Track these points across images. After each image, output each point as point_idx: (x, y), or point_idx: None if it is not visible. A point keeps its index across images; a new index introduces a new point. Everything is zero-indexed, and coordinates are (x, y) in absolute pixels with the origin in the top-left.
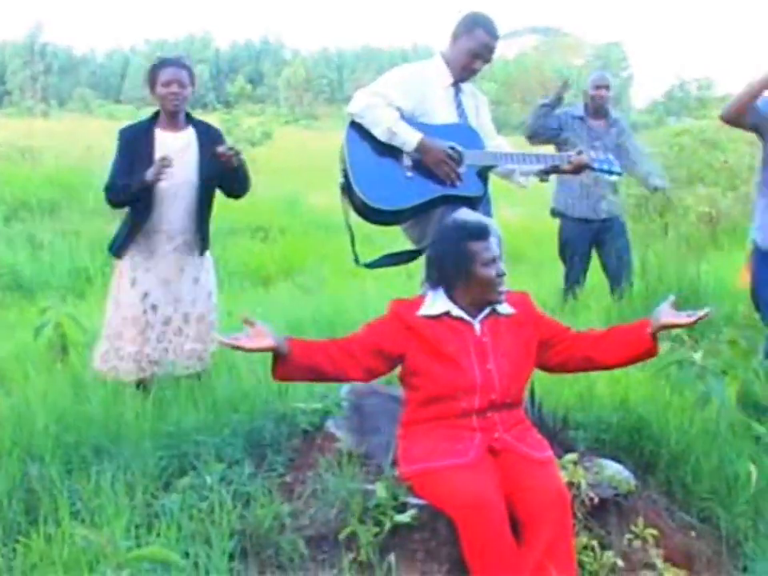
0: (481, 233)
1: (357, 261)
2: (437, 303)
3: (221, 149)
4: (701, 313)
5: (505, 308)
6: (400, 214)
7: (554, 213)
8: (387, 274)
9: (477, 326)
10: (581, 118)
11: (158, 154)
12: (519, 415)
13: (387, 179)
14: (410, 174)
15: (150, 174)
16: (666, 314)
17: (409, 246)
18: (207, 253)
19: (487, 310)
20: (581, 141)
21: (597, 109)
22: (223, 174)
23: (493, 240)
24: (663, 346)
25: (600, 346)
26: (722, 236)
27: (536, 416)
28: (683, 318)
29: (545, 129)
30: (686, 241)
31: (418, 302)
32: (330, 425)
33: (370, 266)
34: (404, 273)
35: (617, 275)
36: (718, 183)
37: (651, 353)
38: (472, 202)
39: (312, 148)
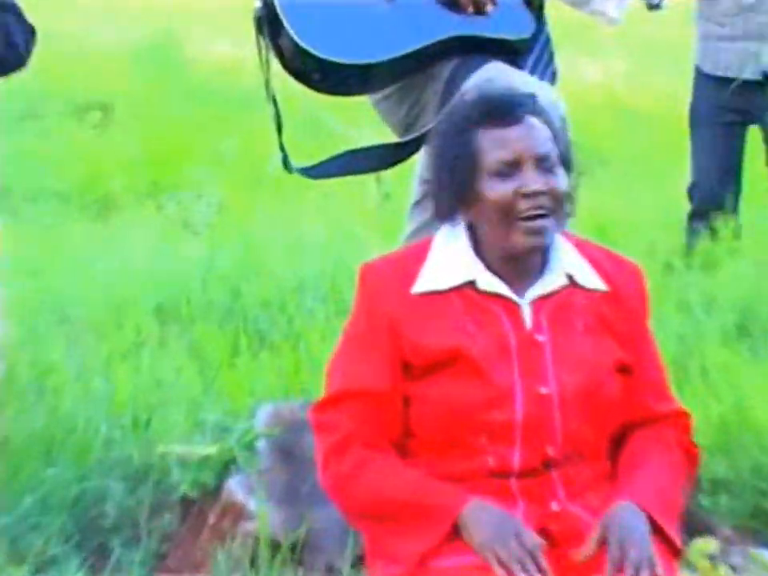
0: (501, 109)
1: (286, 164)
2: (451, 261)
3: None
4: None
5: (588, 278)
6: (372, 74)
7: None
8: (344, 192)
9: (526, 311)
10: None
11: None
12: (599, 469)
13: (350, 7)
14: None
15: None
16: None
17: (391, 138)
18: None
19: (552, 282)
20: None
21: None
22: None
23: (532, 125)
24: None
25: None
26: None
27: None
28: None
29: None
30: None
31: (410, 261)
32: (234, 486)
33: (311, 173)
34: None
35: None
36: None
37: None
38: (514, 52)
39: None
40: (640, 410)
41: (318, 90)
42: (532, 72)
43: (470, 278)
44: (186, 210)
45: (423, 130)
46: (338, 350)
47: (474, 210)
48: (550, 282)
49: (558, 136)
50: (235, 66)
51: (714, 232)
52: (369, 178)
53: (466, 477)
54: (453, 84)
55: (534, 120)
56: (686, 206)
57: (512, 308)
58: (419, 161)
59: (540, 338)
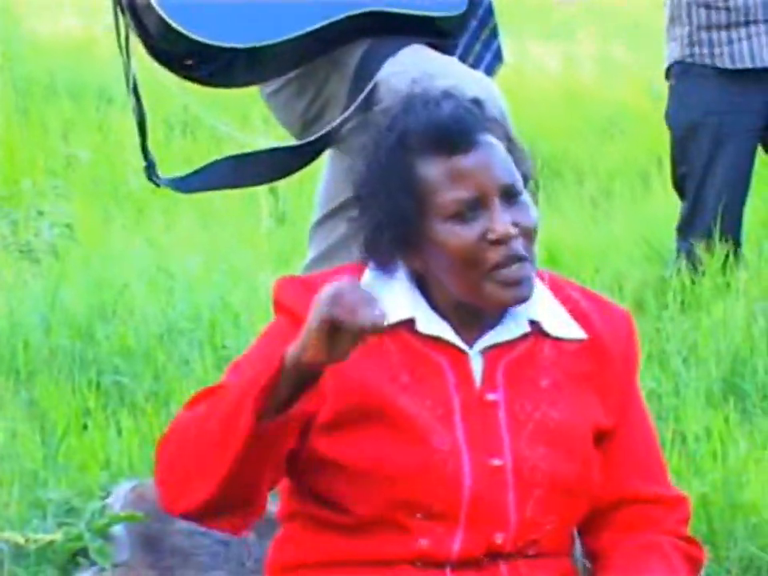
0: (448, 131)
1: (150, 174)
2: (387, 294)
3: None
4: None
5: (559, 326)
6: (260, 60)
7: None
8: (228, 211)
9: (476, 363)
10: None
11: None
12: (563, 569)
13: None
14: None
15: None
16: None
17: (288, 139)
18: None
19: (514, 319)
20: None
21: None
22: None
23: (489, 146)
24: None
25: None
26: None
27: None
28: None
29: None
30: None
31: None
32: None
33: (183, 186)
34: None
35: None
36: None
37: None
38: (440, 32)
39: None
40: (619, 490)
41: (193, 79)
42: (464, 56)
43: (407, 315)
44: (23, 231)
45: (327, 129)
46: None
47: (423, 257)
48: (508, 329)
49: (513, 148)
50: (86, 47)
51: (698, 263)
52: (260, 193)
53: (390, 560)
54: (363, 72)
55: (489, 138)
56: (663, 231)
57: (458, 358)
58: (325, 168)
59: (492, 397)
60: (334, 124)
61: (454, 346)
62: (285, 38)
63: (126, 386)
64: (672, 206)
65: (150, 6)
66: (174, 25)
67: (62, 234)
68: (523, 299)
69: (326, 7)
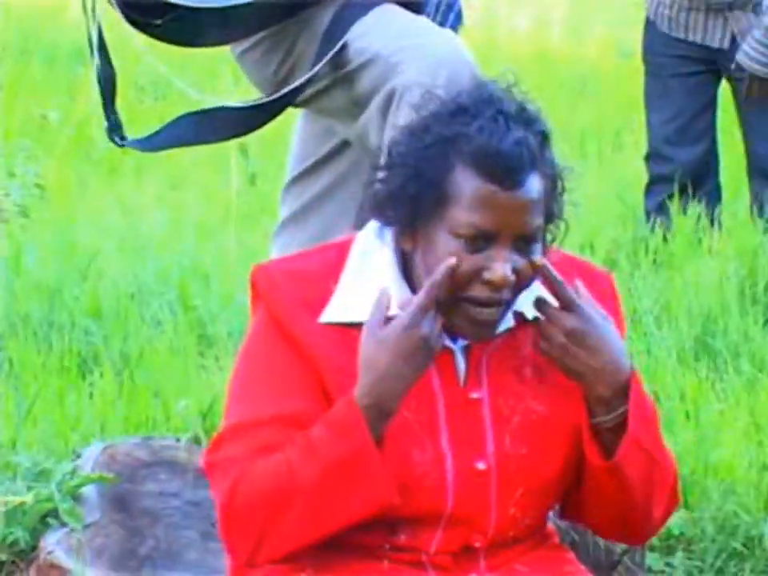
0: (501, 164)
1: (112, 135)
2: (371, 283)
3: None
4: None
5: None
6: (232, 20)
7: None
8: (198, 171)
9: (460, 360)
10: None
11: None
12: (536, 540)
13: None
14: None
15: None
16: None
17: (252, 94)
18: None
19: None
20: None
21: None
22: None
23: (530, 192)
24: None
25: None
26: None
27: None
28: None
29: None
30: None
31: (318, 275)
32: (53, 544)
33: (147, 145)
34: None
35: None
36: None
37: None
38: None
39: None
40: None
41: (162, 39)
42: (433, 15)
43: (392, 311)
44: None
45: (290, 87)
46: (236, 371)
47: (416, 245)
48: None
49: (555, 187)
50: (59, 11)
51: (669, 221)
52: (230, 153)
53: (369, 547)
54: (332, 33)
55: (535, 180)
56: (636, 189)
57: (442, 355)
58: (297, 129)
59: (476, 395)
60: (298, 83)
61: (443, 345)
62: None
63: (97, 348)
64: (643, 165)
65: None
66: None
67: (32, 194)
68: (483, 340)
69: None
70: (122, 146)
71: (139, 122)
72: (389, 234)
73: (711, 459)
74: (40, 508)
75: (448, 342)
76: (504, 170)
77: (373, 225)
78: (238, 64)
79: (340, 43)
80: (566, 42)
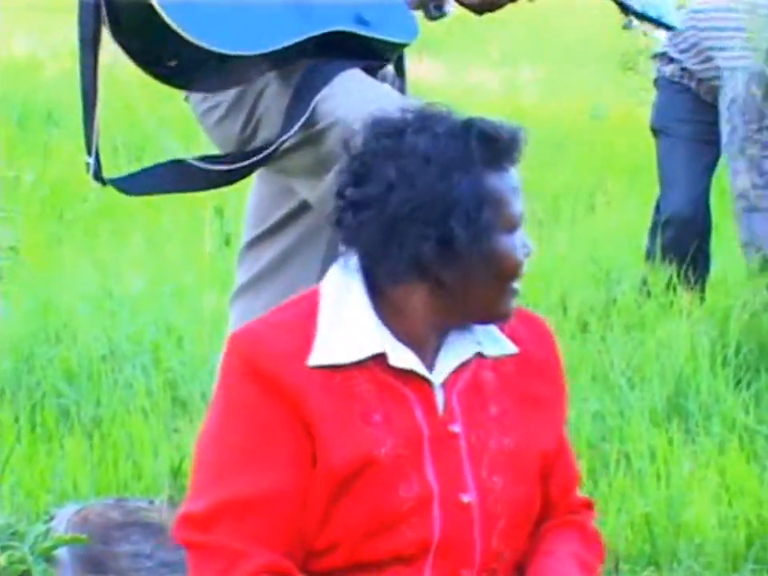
0: (507, 144)
1: (96, 170)
2: (354, 329)
3: None
4: None
5: (494, 342)
6: (231, 68)
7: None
8: (173, 232)
9: (439, 391)
10: None
11: None
12: None
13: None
14: None
15: None
16: None
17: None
18: None
19: (463, 348)
20: None
21: None
22: None
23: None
24: None
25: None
26: None
27: None
28: None
29: None
30: None
31: (295, 324)
32: None
33: (127, 186)
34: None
35: None
36: None
37: None
38: (383, 59)
39: None
40: (560, 501)
41: (166, 80)
42: (383, 80)
43: (379, 349)
44: None
45: (266, 153)
46: (210, 440)
47: (460, 268)
48: (461, 350)
49: None
50: (32, 71)
51: (642, 283)
52: (205, 214)
53: None
54: (304, 92)
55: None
56: (609, 251)
57: (424, 389)
58: (254, 188)
59: (454, 428)
60: (271, 149)
61: (420, 377)
62: (262, 51)
63: (70, 410)
64: (616, 226)
65: (144, 6)
66: (174, 26)
67: (6, 257)
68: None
69: (303, 21)
70: (104, 183)
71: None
72: (357, 278)
73: (682, 519)
74: (14, 570)
75: (430, 376)
76: (509, 145)
77: (335, 271)
78: (200, 121)
79: (311, 107)
80: (540, 103)
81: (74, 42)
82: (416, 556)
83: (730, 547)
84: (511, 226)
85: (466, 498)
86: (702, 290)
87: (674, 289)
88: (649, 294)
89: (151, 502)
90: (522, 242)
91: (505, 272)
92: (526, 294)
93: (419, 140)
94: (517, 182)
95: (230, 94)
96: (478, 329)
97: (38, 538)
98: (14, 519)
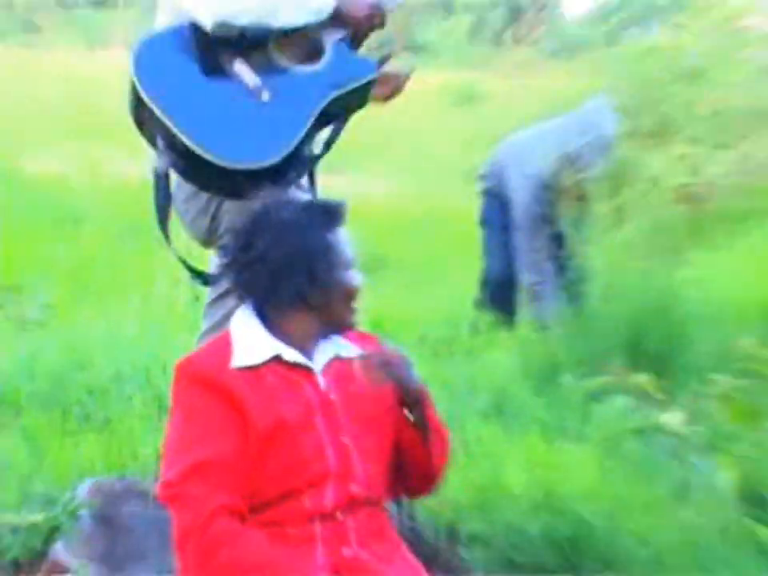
0: (338, 212)
1: (198, 273)
2: (257, 343)
3: None
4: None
5: (350, 348)
6: (239, 177)
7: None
8: (162, 295)
9: (320, 375)
10: None
11: None
12: (382, 520)
13: (229, 117)
14: (265, 95)
15: None
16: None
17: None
18: None
19: (329, 349)
20: None
21: None
22: None
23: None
24: (616, 403)
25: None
26: (711, 222)
27: (405, 525)
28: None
29: None
30: (655, 231)
31: (218, 350)
32: (60, 550)
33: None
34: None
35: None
36: (703, 139)
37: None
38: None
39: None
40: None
41: (218, 192)
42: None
43: (277, 352)
44: (23, 309)
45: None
46: (173, 433)
47: (320, 295)
48: (329, 349)
49: None
50: (61, 181)
51: (475, 326)
52: (182, 283)
53: (285, 522)
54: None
55: None
56: (452, 306)
57: (309, 375)
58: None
59: (332, 396)
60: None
61: (306, 367)
62: (293, 145)
63: (89, 415)
64: (465, 286)
65: (187, 148)
66: (215, 158)
67: (46, 312)
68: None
69: (304, 108)
70: (197, 281)
71: None
72: (254, 314)
73: (503, 483)
74: (50, 525)
75: (312, 365)
76: (339, 213)
77: (240, 312)
78: (178, 214)
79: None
80: (413, 209)
81: None
82: (321, 481)
83: (533, 494)
84: (348, 265)
85: (345, 440)
86: (513, 329)
87: (496, 328)
88: (478, 331)
89: (144, 478)
90: (356, 276)
91: (348, 294)
92: (398, 332)
93: (283, 213)
94: (347, 236)
95: (198, 199)
96: (336, 338)
97: (66, 502)
98: (49, 489)
